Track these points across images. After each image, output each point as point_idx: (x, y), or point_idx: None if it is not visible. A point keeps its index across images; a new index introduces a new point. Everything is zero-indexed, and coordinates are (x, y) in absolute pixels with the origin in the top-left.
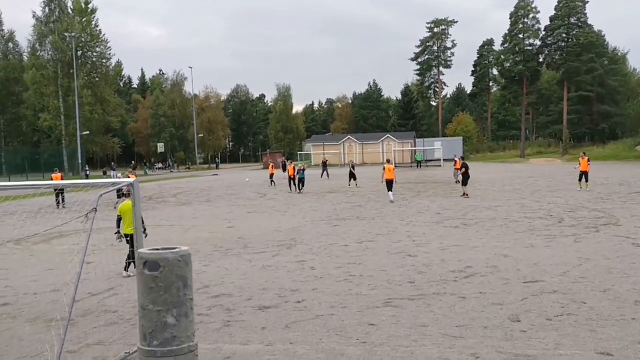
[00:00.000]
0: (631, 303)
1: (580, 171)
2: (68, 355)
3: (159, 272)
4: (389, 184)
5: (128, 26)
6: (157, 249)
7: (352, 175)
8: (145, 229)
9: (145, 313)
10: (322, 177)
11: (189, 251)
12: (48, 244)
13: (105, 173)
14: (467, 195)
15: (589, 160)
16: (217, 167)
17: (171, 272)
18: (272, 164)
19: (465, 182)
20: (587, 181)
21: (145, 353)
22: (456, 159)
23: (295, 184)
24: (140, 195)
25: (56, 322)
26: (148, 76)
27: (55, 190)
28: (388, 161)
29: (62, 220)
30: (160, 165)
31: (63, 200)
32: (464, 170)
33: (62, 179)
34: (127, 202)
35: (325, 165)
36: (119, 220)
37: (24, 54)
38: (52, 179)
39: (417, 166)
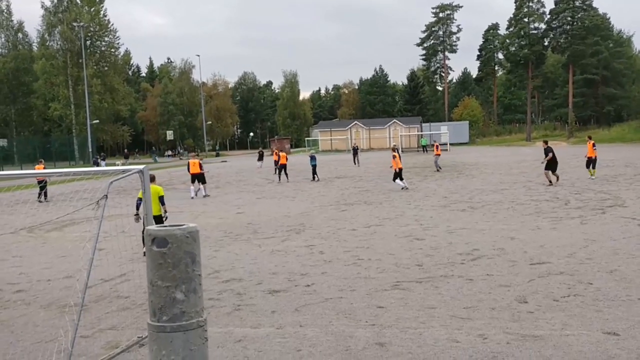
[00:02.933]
0: (637, 283)
1: (587, 157)
2: (82, 340)
3: (167, 249)
4: (398, 173)
5: (132, 14)
6: (165, 226)
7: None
8: (165, 211)
9: (154, 289)
10: (354, 163)
11: (196, 228)
12: (60, 232)
13: (95, 163)
14: (556, 179)
15: (594, 145)
16: (217, 155)
17: (179, 249)
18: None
19: (552, 168)
20: (594, 168)
21: (155, 328)
22: (436, 144)
23: (283, 173)
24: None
25: (69, 308)
26: (156, 64)
27: (39, 183)
28: (393, 149)
29: (74, 208)
30: (170, 152)
31: (45, 195)
32: (550, 155)
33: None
34: (152, 186)
35: (356, 151)
36: (140, 201)
37: (34, 44)
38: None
39: (423, 151)
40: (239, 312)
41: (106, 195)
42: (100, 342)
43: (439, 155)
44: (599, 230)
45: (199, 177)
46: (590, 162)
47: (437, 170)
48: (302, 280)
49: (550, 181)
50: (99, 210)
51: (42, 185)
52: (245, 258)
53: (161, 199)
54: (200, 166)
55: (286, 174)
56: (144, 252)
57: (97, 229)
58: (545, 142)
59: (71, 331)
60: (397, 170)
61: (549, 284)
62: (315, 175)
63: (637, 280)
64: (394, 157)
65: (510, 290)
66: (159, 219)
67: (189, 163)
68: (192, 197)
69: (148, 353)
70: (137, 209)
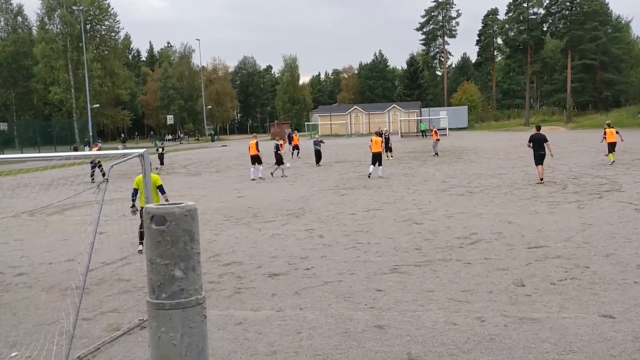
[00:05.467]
0: (633, 267)
1: (608, 142)
2: (83, 322)
3: (165, 226)
4: (375, 158)
5: None
6: (164, 204)
7: (387, 145)
8: (167, 200)
9: (153, 267)
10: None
11: (195, 206)
12: (61, 215)
13: (76, 149)
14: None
15: (617, 131)
16: (213, 140)
17: (177, 226)
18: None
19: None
20: (614, 151)
21: (154, 305)
22: (434, 129)
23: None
24: (150, 166)
25: (71, 291)
26: (156, 49)
27: (92, 162)
28: (377, 134)
29: (75, 192)
30: (170, 136)
31: (98, 174)
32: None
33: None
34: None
35: (387, 140)
36: (135, 192)
37: (33, 27)
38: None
39: (422, 136)
40: (240, 295)
41: (107, 179)
42: (101, 324)
43: (438, 140)
44: (596, 214)
45: (258, 159)
46: (612, 148)
47: (435, 155)
48: (302, 264)
49: (541, 177)
50: (99, 193)
51: (96, 164)
52: (245, 242)
53: (160, 189)
54: (257, 146)
55: (319, 158)
56: (140, 250)
57: (98, 213)
58: (538, 128)
59: (73, 314)
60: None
61: (546, 268)
62: (318, 159)
63: (633, 264)
64: (371, 140)
65: (507, 273)
66: None
67: (249, 145)
68: (253, 179)
69: (147, 330)
70: (133, 200)
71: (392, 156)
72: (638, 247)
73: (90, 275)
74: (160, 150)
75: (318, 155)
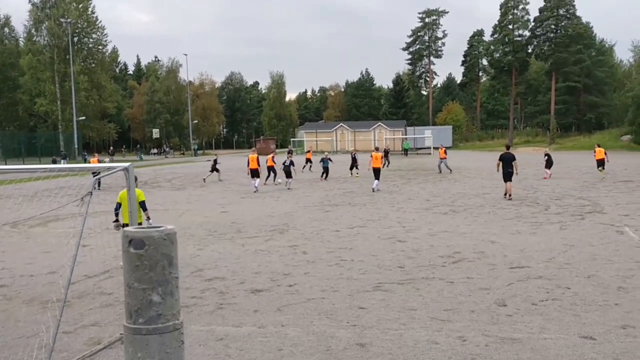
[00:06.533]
0: (614, 289)
1: (597, 159)
2: (64, 336)
3: (144, 250)
4: (376, 172)
5: (117, 11)
6: (143, 228)
7: (354, 163)
8: (148, 217)
9: (131, 291)
10: (385, 166)
11: (174, 230)
12: (44, 227)
13: (54, 161)
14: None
15: (605, 152)
16: (195, 154)
17: (156, 250)
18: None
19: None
20: (603, 168)
21: (131, 330)
22: (442, 148)
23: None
24: (135, 180)
25: (52, 304)
26: (144, 62)
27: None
28: (376, 149)
29: (59, 204)
30: (155, 150)
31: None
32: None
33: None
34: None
35: (387, 154)
36: (118, 206)
37: (20, 39)
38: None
39: (404, 154)
40: (222, 311)
41: (91, 192)
42: (82, 338)
43: (445, 158)
44: (578, 235)
45: (257, 173)
46: (601, 164)
47: (440, 172)
48: (285, 280)
49: (509, 193)
50: (83, 206)
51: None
52: (228, 257)
53: (142, 205)
54: (257, 160)
55: (326, 174)
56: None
57: (82, 225)
58: (507, 147)
59: (53, 327)
60: (373, 169)
61: (528, 288)
62: (324, 174)
63: (614, 285)
64: (371, 155)
65: (489, 293)
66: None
67: (249, 158)
68: (255, 191)
69: (124, 355)
70: (117, 215)
71: (357, 174)
72: (619, 268)
73: (72, 288)
74: (213, 161)
75: (326, 171)
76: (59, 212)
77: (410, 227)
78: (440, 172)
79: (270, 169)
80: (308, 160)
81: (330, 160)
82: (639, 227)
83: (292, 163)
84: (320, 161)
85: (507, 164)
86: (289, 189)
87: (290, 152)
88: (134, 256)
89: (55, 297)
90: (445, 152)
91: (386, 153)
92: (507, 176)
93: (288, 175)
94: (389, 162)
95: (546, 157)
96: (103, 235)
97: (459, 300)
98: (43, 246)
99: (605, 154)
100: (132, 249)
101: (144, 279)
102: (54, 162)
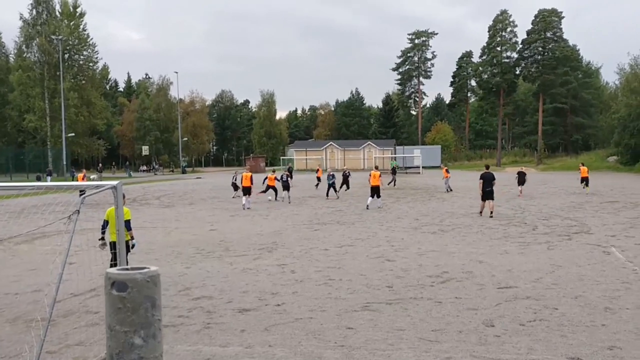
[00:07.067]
0: (601, 309)
1: (581, 177)
2: (47, 356)
3: (126, 293)
4: (374, 190)
5: (108, 28)
6: (127, 269)
7: (346, 182)
8: (132, 237)
9: (113, 334)
10: (392, 184)
11: (157, 271)
12: (30, 244)
13: (39, 178)
14: (481, 209)
15: (588, 171)
16: (183, 172)
17: (139, 293)
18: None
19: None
20: (587, 185)
21: None
22: (445, 168)
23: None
24: (123, 198)
25: (36, 323)
26: (134, 80)
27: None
28: (376, 167)
29: (46, 221)
30: (144, 167)
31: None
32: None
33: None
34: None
35: (394, 171)
36: (106, 224)
37: (10, 55)
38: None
39: (392, 173)
40: (209, 331)
41: (78, 210)
42: (67, 357)
43: (448, 177)
44: (565, 256)
45: (249, 191)
46: (584, 180)
47: (447, 191)
48: (273, 300)
49: (491, 210)
50: (70, 224)
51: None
52: (216, 275)
53: (127, 224)
54: (251, 179)
55: (335, 189)
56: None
57: (68, 243)
58: (487, 167)
59: (37, 346)
60: (372, 187)
61: (516, 308)
62: (330, 191)
63: (601, 306)
64: (370, 174)
65: (477, 313)
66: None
67: (243, 176)
68: (245, 208)
69: None
70: (103, 232)
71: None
72: (606, 289)
73: (57, 306)
74: (284, 177)
75: (330, 188)
76: (46, 229)
77: (399, 246)
78: (448, 191)
79: (272, 187)
80: (319, 179)
81: (334, 177)
82: (625, 247)
83: (289, 177)
84: (327, 178)
85: (488, 183)
86: (289, 202)
87: (289, 170)
88: (116, 298)
89: (39, 315)
90: (447, 172)
91: (394, 171)
92: (488, 194)
93: (286, 188)
94: (395, 181)
95: (517, 176)
96: (90, 253)
97: (447, 321)
98: (29, 264)
99: (588, 172)
100: (115, 291)
101: (126, 321)
102: (39, 179)
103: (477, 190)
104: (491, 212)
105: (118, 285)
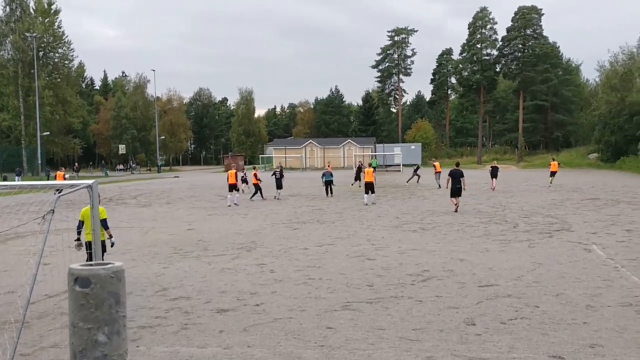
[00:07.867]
0: (582, 307)
1: (550, 171)
2: (21, 358)
3: (89, 289)
4: (368, 187)
5: (84, 26)
6: (90, 264)
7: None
8: (110, 236)
9: (76, 331)
10: (415, 181)
11: (122, 267)
12: (4, 245)
13: (5, 178)
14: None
15: (559, 164)
16: (159, 171)
17: (103, 289)
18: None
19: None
20: (553, 178)
21: None
22: (435, 163)
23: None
24: (99, 197)
25: (9, 325)
26: (110, 78)
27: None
28: (369, 164)
29: (19, 221)
30: (121, 166)
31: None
32: (448, 179)
33: (64, 178)
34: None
35: (416, 170)
36: (81, 224)
37: None
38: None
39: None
40: (186, 331)
41: (53, 210)
42: None
43: (440, 172)
44: (546, 253)
45: (236, 187)
46: (553, 174)
47: (440, 187)
48: (252, 300)
49: (457, 206)
50: (45, 224)
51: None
52: (194, 275)
53: (104, 223)
54: (236, 176)
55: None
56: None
57: (43, 243)
58: (457, 164)
59: (10, 349)
60: (366, 183)
61: (497, 307)
62: (329, 191)
63: (582, 304)
64: (364, 171)
65: (458, 312)
66: (101, 245)
67: (229, 174)
68: (229, 205)
69: None
70: (79, 233)
71: (360, 185)
72: (587, 286)
73: (31, 308)
74: (277, 175)
75: (327, 186)
76: (19, 229)
77: (379, 245)
78: (440, 187)
79: (256, 186)
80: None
81: (332, 175)
82: (606, 245)
83: (282, 174)
84: (322, 176)
85: (456, 180)
86: (278, 199)
87: (280, 167)
88: (80, 294)
89: (13, 317)
90: (440, 167)
91: (417, 168)
92: (456, 192)
93: (279, 186)
94: (419, 177)
95: (490, 169)
96: (65, 254)
97: (428, 320)
98: (2, 265)
99: (559, 165)
100: (78, 287)
101: (89, 318)
102: (5, 179)
103: (471, 187)
104: (456, 208)
105: (81, 281)
